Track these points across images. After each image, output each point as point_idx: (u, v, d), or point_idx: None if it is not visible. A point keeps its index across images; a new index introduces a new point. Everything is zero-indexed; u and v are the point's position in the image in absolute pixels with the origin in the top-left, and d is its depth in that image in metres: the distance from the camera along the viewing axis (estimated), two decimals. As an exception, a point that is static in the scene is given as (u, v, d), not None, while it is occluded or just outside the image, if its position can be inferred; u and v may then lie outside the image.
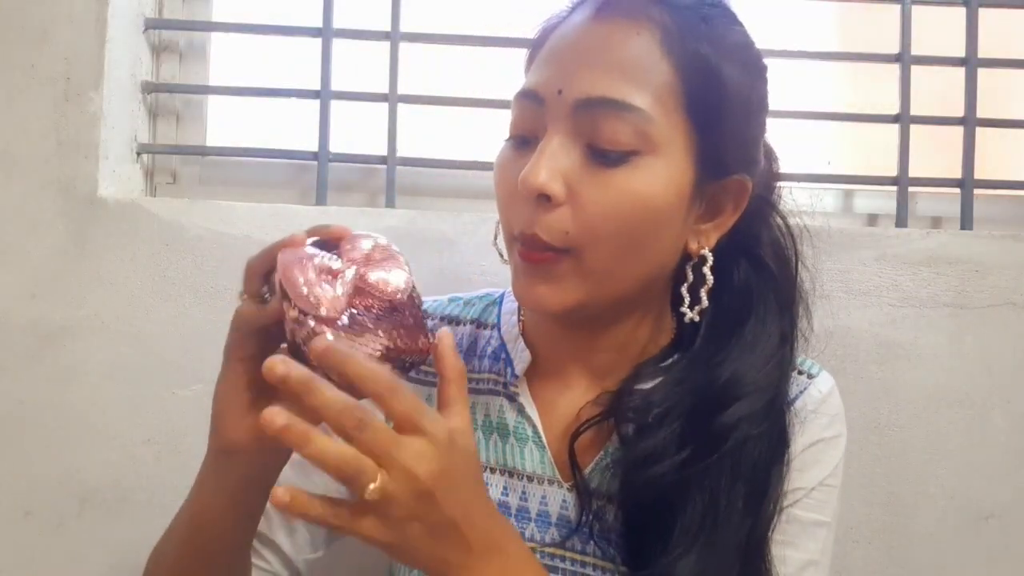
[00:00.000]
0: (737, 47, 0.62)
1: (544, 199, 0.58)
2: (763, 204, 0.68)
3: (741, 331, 0.65)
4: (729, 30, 0.62)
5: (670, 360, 0.67)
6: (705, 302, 0.64)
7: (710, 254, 0.64)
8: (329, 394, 0.47)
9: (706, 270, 0.64)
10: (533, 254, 0.60)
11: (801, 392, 0.67)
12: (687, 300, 0.64)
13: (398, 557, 0.52)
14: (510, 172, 0.61)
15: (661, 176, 0.59)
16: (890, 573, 0.93)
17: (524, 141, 0.62)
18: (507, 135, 0.64)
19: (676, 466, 0.60)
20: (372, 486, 0.47)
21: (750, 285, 0.66)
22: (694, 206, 0.62)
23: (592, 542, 0.64)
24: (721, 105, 0.60)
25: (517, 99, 0.62)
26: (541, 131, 0.60)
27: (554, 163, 0.58)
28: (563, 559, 0.66)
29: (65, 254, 0.93)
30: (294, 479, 0.70)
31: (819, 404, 0.67)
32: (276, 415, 0.46)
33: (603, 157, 0.58)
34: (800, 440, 0.65)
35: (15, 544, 0.92)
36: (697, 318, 0.64)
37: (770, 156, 0.70)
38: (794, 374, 0.68)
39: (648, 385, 0.65)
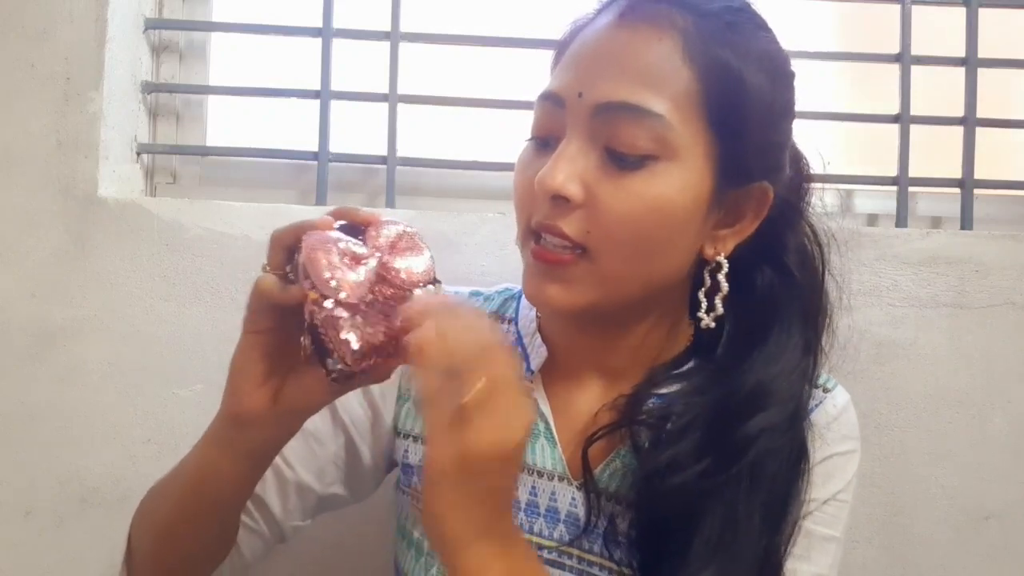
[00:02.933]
0: (762, 54, 0.61)
1: (561, 201, 0.58)
2: (790, 209, 0.67)
3: (765, 340, 0.64)
4: (754, 36, 0.61)
5: (687, 366, 0.66)
6: (720, 309, 0.64)
7: (725, 261, 0.63)
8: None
9: (720, 277, 0.63)
10: (548, 254, 0.60)
11: (817, 406, 0.66)
12: (704, 305, 0.64)
13: (438, 503, 0.51)
14: (529, 171, 0.61)
15: (678, 182, 0.59)
16: (890, 573, 0.93)
17: (545, 142, 0.62)
18: (529, 135, 0.65)
19: (695, 476, 0.60)
20: (480, 385, 0.48)
21: (774, 292, 0.66)
22: (712, 212, 0.62)
23: (600, 541, 0.64)
24: (743, 112, 0.60)
25: (539, 101, 0.63)
26: (561, 133, 0.60)
27: (572, 166, 0.58)
28: (570, 556, 0.66)
29: (65, 254, 0.93)
30: (300, 451, 0.71)
31: (834, 419, 0.66)
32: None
33: (621, 161, 0.58)
34: (815, 454, 0.64)
35: (15, 544, 0.92)
36: (712, 324, 0.64)
37: (798, 161, 0.69)
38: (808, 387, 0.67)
39: (665, 391, 0.65)
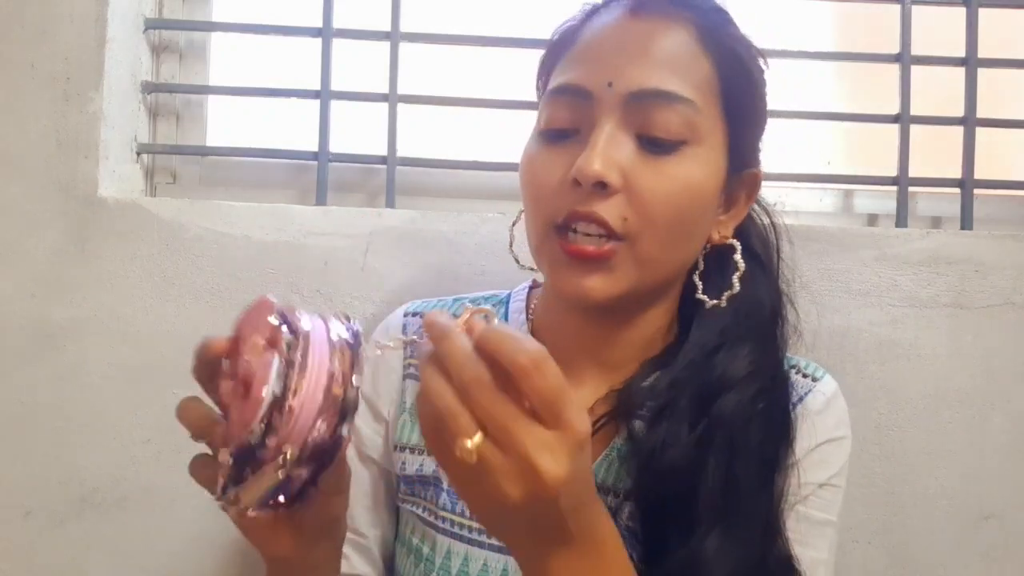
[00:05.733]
0: (751, 46, 0.65)
1: (600, 187, 0.59)
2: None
3: (737, 316, 0.67)
4: (740, 31, 0.65)
5: (673, 352, 0.68)
6: (737, 287, 0.66)
7: (737, 242, 0.67)
8: (459, 342, 0.44)
9: (737, 257, 0.66)
10: (586, 249, 0.60)
11: (805, 394, 0.68)
12: (700, 287, 0.67)
13: (482, 524, 0.49)
14: (549, 166, 0.62)
15: (706, 165, 0.62)
16: (890, 573, 0.93)
17: (562, 135, 0.63)
18: (539, 129, 0.65)
19: (691, 446, 0.62)
20: (468, 442, 0.42)
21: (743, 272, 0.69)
22: (721, 197, 0.65)
23: None
24: (750, 100, 0.64)
25: (555, 95, 0.63)
26: (585, 124, 0.61)
27: (609, 152, 0.59)
28: (487, 533, 0.67)
29: (65, 254, 0.93)
30: (362, 514, 0.74)
31: (824, 406, 0.68)
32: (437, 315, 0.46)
33: (656, 146, 0.60)
34: (806, 441, 0.66)
35: (15, 544, 0.92)
36: (724, 304, 0.66)
37: None
38: (798, 376, 0.69)
39: (652, 379, 0.66)
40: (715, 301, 0.66)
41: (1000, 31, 1.04)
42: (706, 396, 0.63)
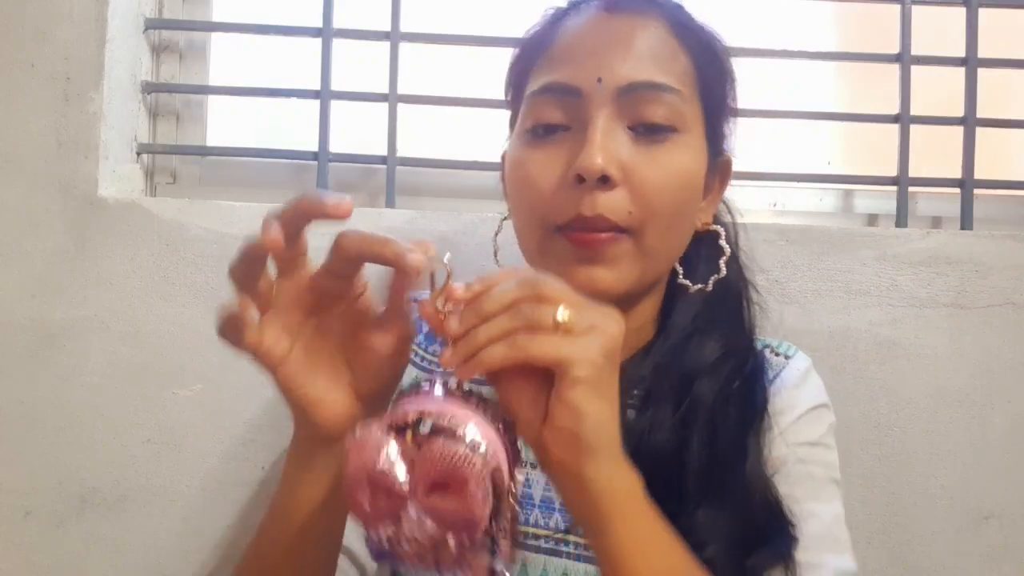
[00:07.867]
0: (719, 39, 0.68)
1: (603, 181, 0.60)
2: None
3: (708, 299, 0.69)
4: (705, 24, 0.68)
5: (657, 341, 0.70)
6: (724, 270, 0.68)
7: (721, 228, 0.69)
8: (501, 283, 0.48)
9: (722, 242, 0.69)
10: (593, 236, 0.61)
11: (780, 371, 0.71)
12: (681, 272, 0.69)
13: (590, 403, 0.47)
14: (544, 165, 0.63)
15: (694, 152, 0.64)
16: (890, 573, 0.93)
17: (551, 131, 0.64)
18: (525, 128, 0.65)
19: (675, 428, 0.64)
20: (562, 309, 0.45)
21: (711, 256, 0.71)
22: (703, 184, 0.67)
23: None
24: (722, 88, 0.67)
25: (541, 94, 0.64)
26: (576, 121, 0.62)
27: (607, 146, 0.60)
28: (566, 543, 0.67)
29: (65, 254, 0.93)
30: None
31: (801, 380, 0.71)
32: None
33: (648, 137, 0.62)
34: (790, 413, 0.68)
35: (15, 544, 0.92)
36: (711, 287, 0.68)
37: None
38: (771, 355, 0.72)
39: (639, 367, 0.68)
40: (700, 286, 0.68)
41: (1000, 31, 1.04)
42: (686, 379, 0.65)
